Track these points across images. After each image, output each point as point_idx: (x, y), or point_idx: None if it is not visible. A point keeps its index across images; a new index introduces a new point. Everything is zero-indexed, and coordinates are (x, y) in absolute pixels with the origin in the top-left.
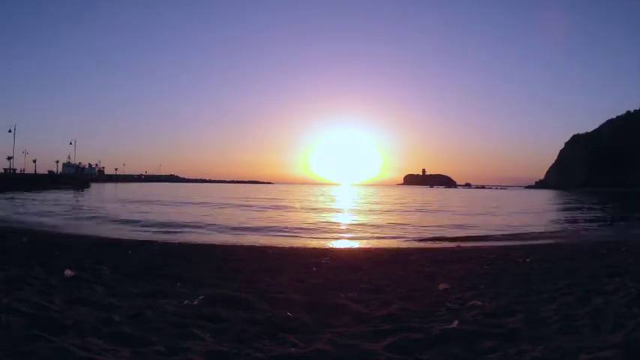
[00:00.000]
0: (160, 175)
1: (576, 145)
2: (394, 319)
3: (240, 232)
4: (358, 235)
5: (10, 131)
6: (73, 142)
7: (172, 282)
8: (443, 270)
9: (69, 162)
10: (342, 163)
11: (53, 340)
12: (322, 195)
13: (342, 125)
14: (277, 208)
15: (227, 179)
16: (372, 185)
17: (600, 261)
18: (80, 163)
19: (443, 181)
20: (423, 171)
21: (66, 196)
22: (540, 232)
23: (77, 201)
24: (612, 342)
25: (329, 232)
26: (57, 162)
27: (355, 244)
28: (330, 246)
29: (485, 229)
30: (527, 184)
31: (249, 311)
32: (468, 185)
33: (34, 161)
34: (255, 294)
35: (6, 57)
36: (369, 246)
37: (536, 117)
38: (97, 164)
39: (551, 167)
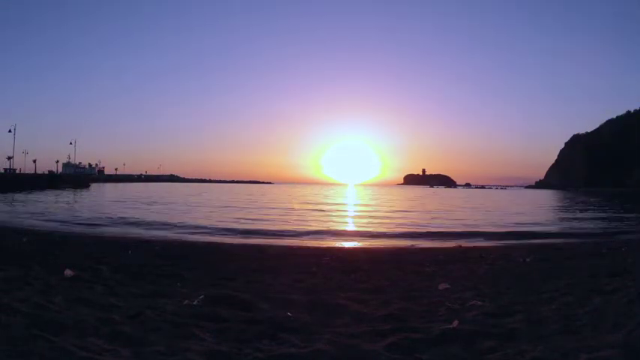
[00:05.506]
0: (160, 175)
1: (576, 145)
2: (394, 319)
3: None
4: (358, 235)
5: (10, 131)
6: (73, 142)
7: (172, 282)
8: (443, 270)
9: (69, 162)
10: (346, 164)
11: (53, 340)
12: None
13: (344, 126)
14: None
15: (227, 179)
16: (373, 185)
17: (600, 261)
18: (80, 163)
19: (443, 181)
20: (423, 171)
21: (66, 196)
22: (540, 232)
23: (77, 201)
24: (612, 342)
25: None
26: (57, 162)
27: (355, 244)
28: (330, 246)
29: (485, 229)
30: (527, 184)
31: (249, 311)
32: (468, 185)
33: (34, 161)
34: (255, 294)
35: (6, 57)
36: (369, 246)
37: (537, 117)
38: (97, 164)
39: (551, 167)
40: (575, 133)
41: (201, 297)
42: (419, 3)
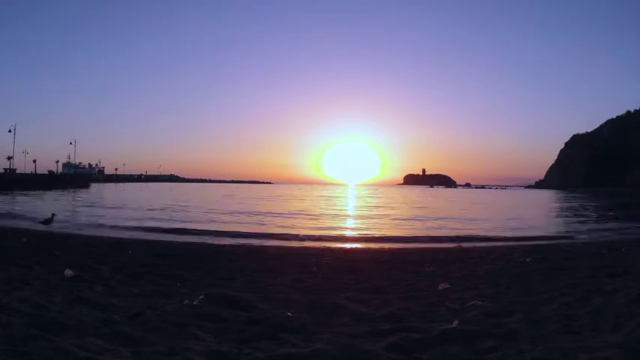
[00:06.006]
0: (160, 175)
1: (576, 145)
2: (394, 319)
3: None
4: (358, 235)
5: (10, 131)
6: (73, 142)
7: (172, 282)
8: (443, 270)
9: (69, 162)
10: (346, 164)
11: (53, 340)
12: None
13: (345, 126)
14: None
15: (227, 179)
16: (373, 185)
17: (600, 261)
18: (80, 163)
19: (443, 181)
20: (423, 171)
21: (66, 196)
22: (540, 232)
23: (77, 201)
24: (612, 342)
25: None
26: (57, 162)
27: (355, 244)
28: (330, 246)
29: (485, 229)
30: (527, 184)
31: (249, 311)
32: (467, 185)
33: (34, 161)
34: (255, 294)
35: (6, 57)
36: (369, 246)
37: (537, 117)
38: (97, 164)
39: (551, 167)
40: (575, 133)
41: (201, 297)
42: (418, 2)
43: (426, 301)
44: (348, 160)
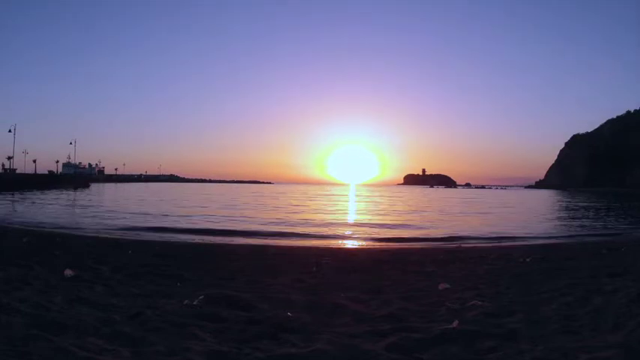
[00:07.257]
0: (160, 175)
1: (576, 145)
2: (394, 319)
3: None
4: (358, 235)
5: (10, 131)
6: (73, 142)
7: (172, 282)
8: (443, 270)
9: (69, 162)
10: (347, 164)
11: (53, 340)
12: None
13: (345, 126)
14: None
15: (227, 179)
16: (373, 185)
17: (600, 261)
18: (80, 163)
19: (443, 181)
20: (423, 171)
21: (65, 197)
22: (541, 232)
23: (77, 201)
24: (612, 342)
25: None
26: (57, 162)
27: (355, 244)
28: (330, 246)
29: (484, 229)
30: (527, 184)
31: (249, 311)
32: (467, 185)
33: (34, 161)
34: (255, 294)
35: (6, 57)
36: (369, 246)
37: (537, 117)
38: (97, 164)
39: (551, 167)
40: (575, 133)
41: (201, 297)
42: (418, 3)
43: (426, 301)
44: (349, 161)
